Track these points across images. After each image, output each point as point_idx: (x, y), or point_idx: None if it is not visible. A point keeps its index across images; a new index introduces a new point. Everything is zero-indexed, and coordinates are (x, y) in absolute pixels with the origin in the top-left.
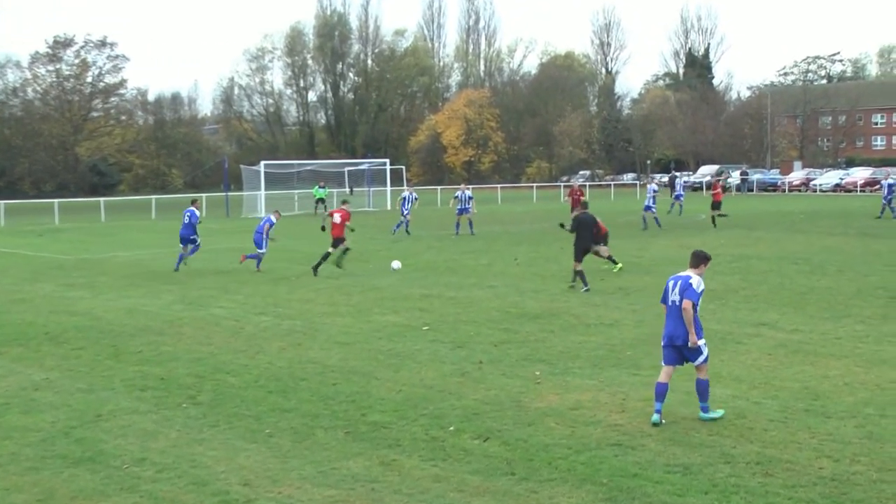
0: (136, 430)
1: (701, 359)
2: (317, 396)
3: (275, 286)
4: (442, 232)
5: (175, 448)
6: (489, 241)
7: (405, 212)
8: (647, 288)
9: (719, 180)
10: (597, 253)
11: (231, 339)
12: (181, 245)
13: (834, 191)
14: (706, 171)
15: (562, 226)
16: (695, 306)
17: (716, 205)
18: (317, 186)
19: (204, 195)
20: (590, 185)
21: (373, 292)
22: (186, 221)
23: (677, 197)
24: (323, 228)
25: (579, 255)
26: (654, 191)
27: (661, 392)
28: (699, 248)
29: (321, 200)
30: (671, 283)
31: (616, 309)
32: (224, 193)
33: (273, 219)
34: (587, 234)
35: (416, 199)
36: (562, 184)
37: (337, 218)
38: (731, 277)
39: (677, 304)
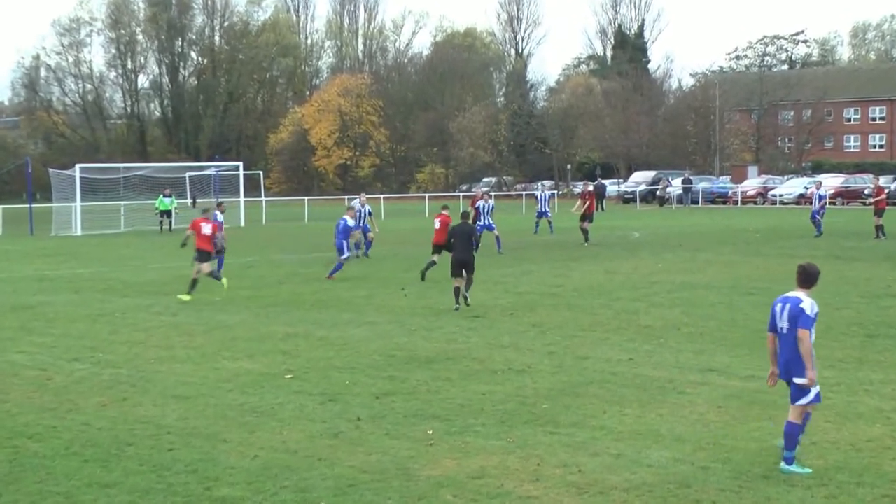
0: None
1: (805, 399)
2: (148, 466)
3: (92, 324)
4: (310, 255)
5: None
6: (369, 265)
7: (366, 228)
8: (566, 324)
9: (885, 187)
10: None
11: (35, 394)
12: None
13: (798, 203)
14: (640, 179)
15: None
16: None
17: (879, 212)
18: (161, 196)
19: None
20: (496, 195)
21: (220, 332)
22: None
23: (542, 214)
24: (183, 244)
25: (456, 269)
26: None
27: (793, 433)
28: (646, 271)
29: (167, 213)
30: (778, 308)
31: (528, 351)
32: (27, 205)
33: (348, 219)
34: (463, 246)
35: (370, 213)
36: (461, 193)
37: (206, 229)
38: (672, 311)
39: (786, 332)
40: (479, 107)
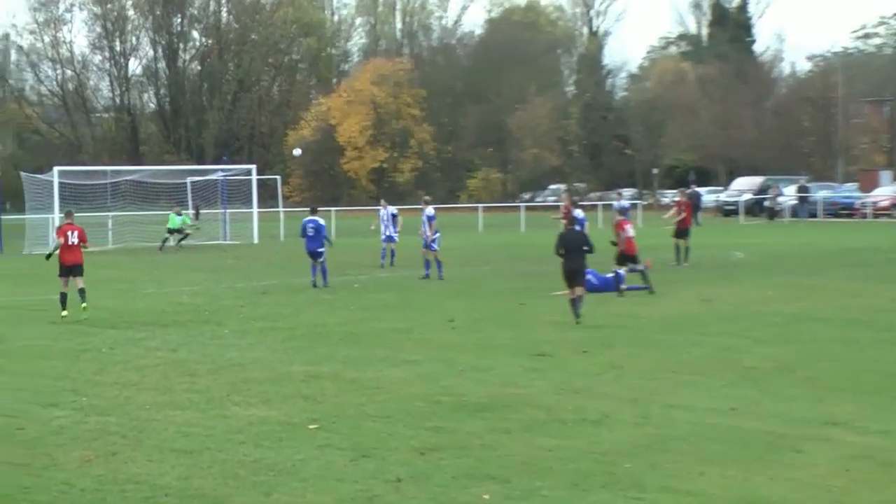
0: None
1: None
2: None
3: (73, 362)
4: (339, 277)
5: None
6: (409, 290)
7: (393, 233)
8: (651, 365)
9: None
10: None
11: (2, 447)
12: None
13: None
14: (743, 186)
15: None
16: None
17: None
18: (172, 213)
19: None
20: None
21: (230, 371)
22: None
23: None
24: (48, 257)
25: (570, 279)
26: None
27: None
28: (751, 300)
29: (175, 231)
30: None
31: (605, 397)
32: None
33: (431, 212)
34: (576, 255)
35: (394, 214)
36: (522, 204)
37: (74, 237)
38: (783, 349)
39: None
40: (543, 98)
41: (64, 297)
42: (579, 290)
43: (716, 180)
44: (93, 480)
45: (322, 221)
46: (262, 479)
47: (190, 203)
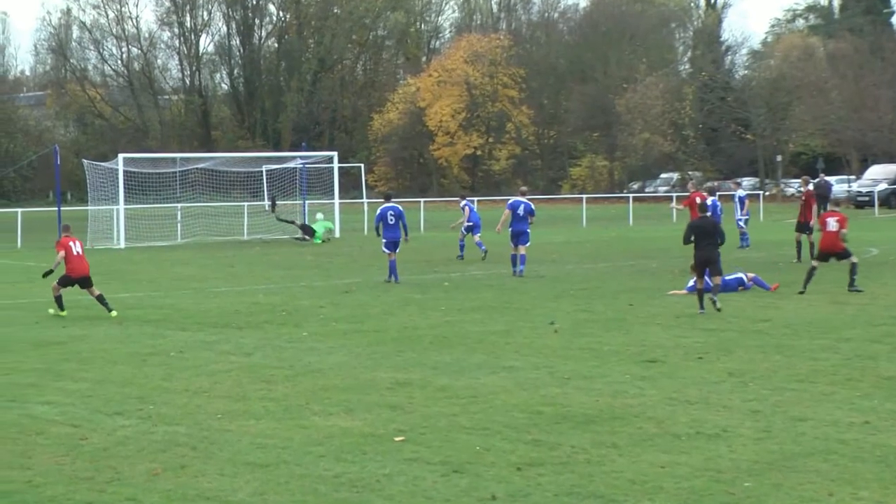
0: None
1: None
2: None
3: (140, 367)
4: (428, 275)
5: None
6: (506, 291)
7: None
8: (775, 373)
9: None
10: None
11: (65, 459)
12: None
13: None
14: (879, 175)
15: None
16: None
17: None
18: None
19: (19, 210)
20: (676, 196)
21: (309, 378)
22: None
23: (737, 221)
24: (47, 274)
25: (702, 269)
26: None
27: None
28: (889, 302)
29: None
30: None
31: (723, 409)
32: (55, 208)
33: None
34: (709, 244)
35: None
36: (630, 194)
37: (78, 247)
38: None
39: None
40: (655, 77)
41: (61, 298)
42: (717, 280)
43: (847, 168)
44: (160, 496)
45: (401, 209)
46: (344, 496)
47: (265, 193)
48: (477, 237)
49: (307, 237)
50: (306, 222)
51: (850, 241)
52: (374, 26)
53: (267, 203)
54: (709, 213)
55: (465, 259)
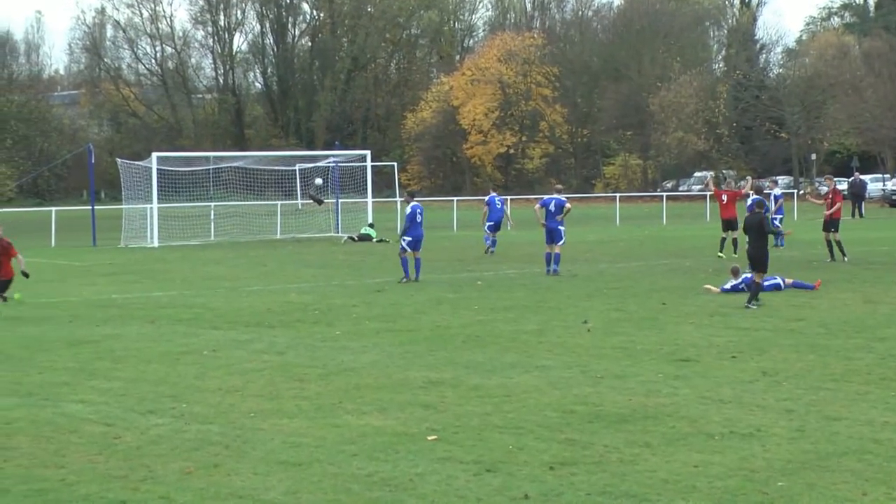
0: None
1: None
2: None
3: (173, 365)
4: (461, 273)
5: None
6: (539, 290)
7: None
8: (809, 372)
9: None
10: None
11: (98, 457)
12: None
13: None
14: None
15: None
16: None
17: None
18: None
19: (53, 209)
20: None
21: (342, 377)
22: None
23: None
24: (26, 275)
25: (755, 264)
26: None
27: None
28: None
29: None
30: None
31: (757, 409)
32: (89, 207)
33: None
34: (755, 239)
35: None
36: (664, 193)
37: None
38: None
39: None
40: (689, 76)
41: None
42: (758, 277)
43: (882, 167)
44: (193, 495)
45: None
46: (377, 495)
47: (298, 193)
48: (488, 231)
49: (318, 202)
50: (371, 221)
51: (884, 241)
52: (407, 25)
53: (299, 202)
54: (757, 210)
55: (495, 254)
